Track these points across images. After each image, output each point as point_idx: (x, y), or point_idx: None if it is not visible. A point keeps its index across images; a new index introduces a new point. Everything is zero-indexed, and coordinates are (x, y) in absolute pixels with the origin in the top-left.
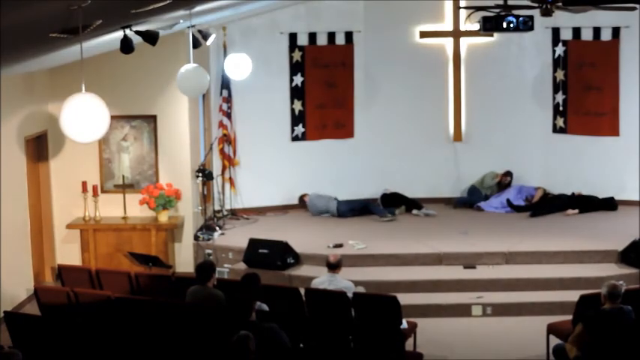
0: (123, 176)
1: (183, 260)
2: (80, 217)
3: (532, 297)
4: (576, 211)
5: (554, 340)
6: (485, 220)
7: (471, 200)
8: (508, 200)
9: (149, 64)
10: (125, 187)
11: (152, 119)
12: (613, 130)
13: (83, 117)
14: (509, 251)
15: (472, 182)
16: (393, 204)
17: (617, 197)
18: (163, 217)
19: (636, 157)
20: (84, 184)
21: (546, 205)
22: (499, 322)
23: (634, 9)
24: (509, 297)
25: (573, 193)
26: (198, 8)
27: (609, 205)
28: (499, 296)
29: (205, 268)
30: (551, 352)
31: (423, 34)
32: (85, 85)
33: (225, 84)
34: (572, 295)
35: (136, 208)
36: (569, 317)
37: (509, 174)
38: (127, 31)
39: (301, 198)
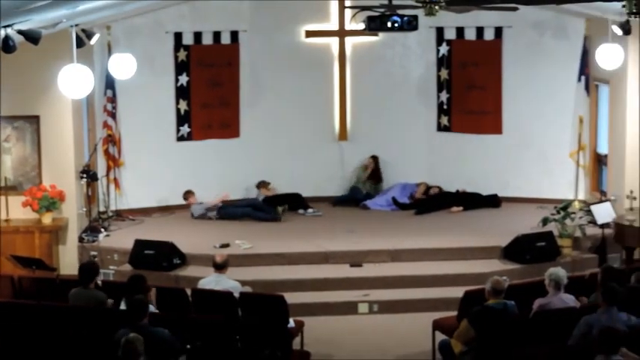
0: (5, 178)
1: (68, 262)
2: None
3: (417, 294)
4: (461, 208)
5: (440, 336)
6: (371, 218)
7: (353, 197)
8: (393, 198)
9: (32, 63)
10: (7, 189)
11: (35, 120)
12: (496, 128)
13: None
14: (394, 249)
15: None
16: (277, 204)
17: (500, 194)
18: (47, 219)
19: (519, 155)
20: None
21: (431, 202)
22: (385, 319)
23: (516, 9)
24: (395, 294)
25: (458, 191)
26: (82, 7)
27: (493, 202)
28: (385, 294)
29: (88, 269)
30: (437, 347)
31: (309, 34)
32: None
33: (110, 84)
34: (457, 292)
35: (18, 210)
36: (454, 313)
37: (373, 157)
38: (9, 30)
39: (185, 195)
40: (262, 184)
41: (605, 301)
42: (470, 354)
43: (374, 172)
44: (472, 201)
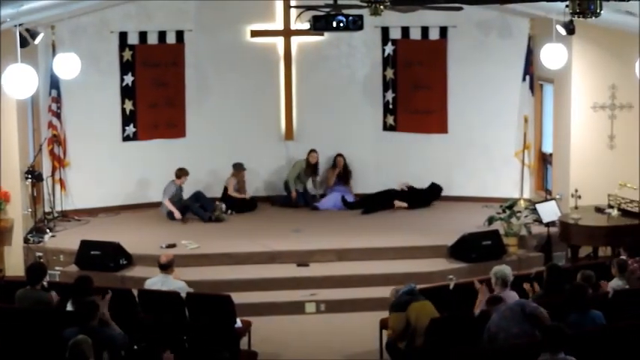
0: None
1: (14, 264)
2: None
3: (365, 293)
4: (405, 204)
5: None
6: (318, 218)
7: (288, 196)
8: (343, 197)
9: None
10: None
11: None
12: (441, 127)
13: None
14: (341, 248)
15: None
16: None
17: (445, 193)
18: None
19: (464, 154)
20: None
21: (376, 199)
22: (333, 318)
23: (460, 9)
24: (342, 293)
25: (402, 189)
26: (26, 6)
27: (433, 191)
28: (332, 293)
29: (36, 269)
30: (384, 346)
31: (254, 33)
32: None
33: (55, 84)
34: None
35: None
36: None
37: (313, 151)
38: None
39: (179, 173)
40: (238, 167)
41: (490, 305)
42: (413, 340)
43: (315, 165)
44: (414, 195)
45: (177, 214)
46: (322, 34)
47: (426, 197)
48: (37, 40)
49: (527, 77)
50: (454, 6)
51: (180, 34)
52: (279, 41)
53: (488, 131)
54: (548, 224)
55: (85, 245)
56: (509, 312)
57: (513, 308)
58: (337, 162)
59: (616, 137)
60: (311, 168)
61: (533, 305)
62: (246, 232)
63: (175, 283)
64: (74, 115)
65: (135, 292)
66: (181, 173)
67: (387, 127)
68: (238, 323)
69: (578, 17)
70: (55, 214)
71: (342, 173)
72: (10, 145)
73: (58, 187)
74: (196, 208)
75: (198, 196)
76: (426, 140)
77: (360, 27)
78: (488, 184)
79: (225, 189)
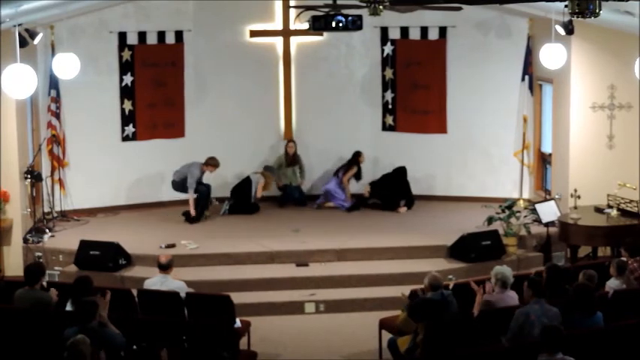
0: None
1: (13, 264)
2: None
3: (364, 293)
4: (405, 208)
5: (387, 335)
6: (317, 217)
7: (290, 196)
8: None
9: None
10: None
11: None
12: (440, 127)
13: None
14: (340, 248)
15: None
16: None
17: (443, 193)
18: None
19: (463, 154)
20: None
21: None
22: (332, 318)
23: (460, 9)
24: (341, 293)
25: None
26: (25, 7)
27: (400, 173)
28: (332, 293)
29: (33, 270)
30: (385, 346)
31: (253, 33)
32: None
33: (54, 84)
34: (403, 290)
35: None
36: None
37: (290, 141)
38: None
39: (211, 161)
40: (270, 169)
41: (534, 294)
42: (416, 350)
43: (293, 155)
44: (382, 186)
45: (192, 212)
46: (321, 34)
47: (392, 181)
48: (36, 41)
49: (527, 77)
50: (453, 6)
51: (179, 34)
52: (279, 41)
53: (488, 131)
54: (547, 224)
55: (85, 245)
56: (550, 310)
57: (555, 311)
58: (361, 159)
59: (615, 137)
60: (289, 158)
61: None
62: (246, 232)
63: (175, 283)
64: (73, 115)
65: (134, 292)
66: (212, 162)
67: (386, 127)
68: (238, 323)
69: (578, 17)
70: (55, 214)
71: (357, 172)
72: (9, 145)
73: (57, 187)
74: (206, 199)
75: (209, 189)
76: (425, 140)
77: (359, 27)
78: (487, 184)
79: (244, 186)
